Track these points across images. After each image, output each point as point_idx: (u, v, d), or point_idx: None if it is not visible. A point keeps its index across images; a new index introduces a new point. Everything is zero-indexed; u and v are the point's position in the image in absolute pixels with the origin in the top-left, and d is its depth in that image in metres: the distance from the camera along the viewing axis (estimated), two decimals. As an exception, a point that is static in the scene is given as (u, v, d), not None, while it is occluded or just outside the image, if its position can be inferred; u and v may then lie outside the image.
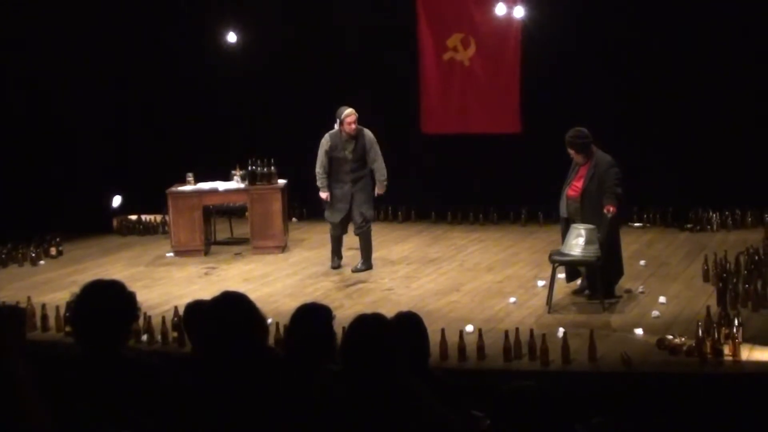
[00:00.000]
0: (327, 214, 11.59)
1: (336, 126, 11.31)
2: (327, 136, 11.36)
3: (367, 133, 11.37)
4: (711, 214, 13.14)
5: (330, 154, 11.30)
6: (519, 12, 13.53)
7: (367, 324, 4.13)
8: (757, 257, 10.49)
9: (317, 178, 11.42)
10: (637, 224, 13.40)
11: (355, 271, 11.44)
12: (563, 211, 9.92)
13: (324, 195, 11.43)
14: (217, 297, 4.28)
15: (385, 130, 14.19)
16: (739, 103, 12.90)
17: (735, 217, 13.09)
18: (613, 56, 13.25)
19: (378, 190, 11.49)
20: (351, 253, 11.98)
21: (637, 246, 12.25)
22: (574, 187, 9.78)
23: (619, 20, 13.15)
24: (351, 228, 11.63)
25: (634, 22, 13.15)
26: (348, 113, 11.19)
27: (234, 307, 4.21)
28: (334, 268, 11.62)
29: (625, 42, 13.17)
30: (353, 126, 11.19)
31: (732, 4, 12.73)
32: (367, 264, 11.52)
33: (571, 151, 9.73)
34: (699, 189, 13.07)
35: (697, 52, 12.97)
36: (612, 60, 13.26)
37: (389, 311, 4.61)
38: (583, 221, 9.58)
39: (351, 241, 11.95)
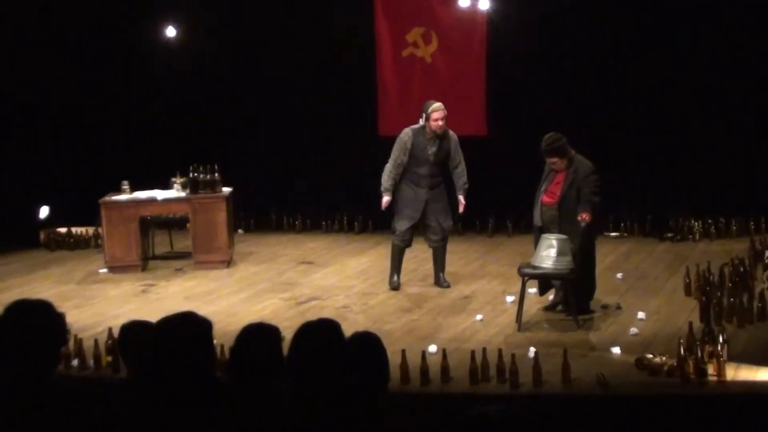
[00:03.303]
0: (396, 219, 11.18)
1: (421, 121, 11.00)
2: (409, 130, 11.02)
3: (453, 134, 11.09)
4: (693, 222, 13.26)
5: (410, 152, 10.96)
6: (484, 4, 13.60)
7: (317, 330, 4.18)
8: (742, 269, 10.58)
9: (384, 176, 11.03)
10: (613, 234, 13.49)
11: (446, 286, 11.18)
12: (537, 220, 9.93)
13: (385, 200, 11.05)
14: (172, 318, 4.25)
15: (339, 132, 14.26)
16: (722, 103, 13.02)
17: (719, 226, 13.21)
18: (586, 54, 13.32)
19: (462, 199, 11.13)
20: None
21: (614, 257, 12.33)
22: (551, 193, 9.79)
23: (592, 15, 13.25)
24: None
25: (608, 17, 13.23)
26: (435, 107, 10.85)
27: (189, 331, 4.20)
28: (393, 288, 11.25)
29: (598, 39, 13.26)
30: (440, 123, 10.85)
31: (714, 6, 12.87)
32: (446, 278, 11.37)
33: (554, 159, 9.72)
34: (680, 195, 13.19)
35: (677, 50, 13.09)
36: (585, 58, 13.34)
37: (345, 331, 4.61)
38: (560, 231, 9.61)
39: (310, 246, 11.91)
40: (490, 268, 12.17)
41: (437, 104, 10.95)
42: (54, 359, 4.34)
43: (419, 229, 11.26)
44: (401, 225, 11.17)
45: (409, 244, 11.33)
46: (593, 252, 10.00)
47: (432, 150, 10.99)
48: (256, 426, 4.26)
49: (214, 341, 7.76)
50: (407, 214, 11.13)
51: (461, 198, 11.21)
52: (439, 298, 10.92)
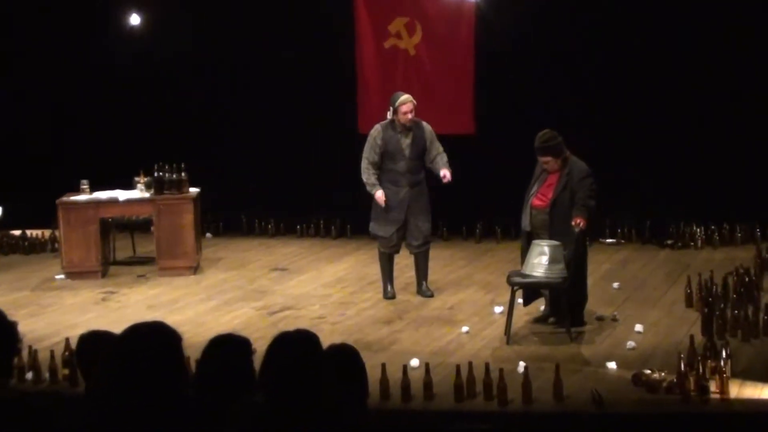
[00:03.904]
0: (374, 226, 11.27)
1: (389, 115, 11.10)
2: (378, 126, 11.14)
3: (427, 125, 11.17)
4: (695, 228, 13.29)
5: (382, 149, 11.05)
6: (472, -8, 13.64)
7: (293, 341, 4.16)
8: (747, 278, 10.61)
9: (364, 175, 11.07)
10: (609, 240, 13.52)
11: (429, 295, 11.22)
12: (526, 225, 9.94)
13: (378, 195, 11.02)
14: (140, 327, 4.23)
15: (317, 129, 14.23)
16: (726, 101, 13.07)
17: (722, 233, 13.25)
18: (582, 47, 13.35)
19: (447, 173, 10.97)
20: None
21: (610, 266, 12.37)
22: (542, 196, 9.81)
23: (589, 6, 13.27)
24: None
25: (606, 9, 13.26)
26: (403, 100, 10.94)
27: (159, 341, 4.18)
28: (388, 298, 11.26)
29: (596, 31, 13.28)
30: (409, 116, 10.95)
31: (714, 5, 12.93)
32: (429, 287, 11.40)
33: (547, 159, 9.74)
34: (681, 200, 13.22)
35: (679, 46, 13.13)
36: (581, 51, 13.37)
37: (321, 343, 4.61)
38: (551, 237, 9.63)
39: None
40: (477, 277, 12.19)
41: (405, 96, 11.05)
42: (6, 372, 4.32)
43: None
44: (385, 230, 11.18)
45: (397, 250, 11.35)
46: (585, 259, 10.01)
47: (406, 143, 11.08)
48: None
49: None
50: (391, 218, 11.14)
51: (446, 172, 11.00)
52: (421, 308, 10.92)
